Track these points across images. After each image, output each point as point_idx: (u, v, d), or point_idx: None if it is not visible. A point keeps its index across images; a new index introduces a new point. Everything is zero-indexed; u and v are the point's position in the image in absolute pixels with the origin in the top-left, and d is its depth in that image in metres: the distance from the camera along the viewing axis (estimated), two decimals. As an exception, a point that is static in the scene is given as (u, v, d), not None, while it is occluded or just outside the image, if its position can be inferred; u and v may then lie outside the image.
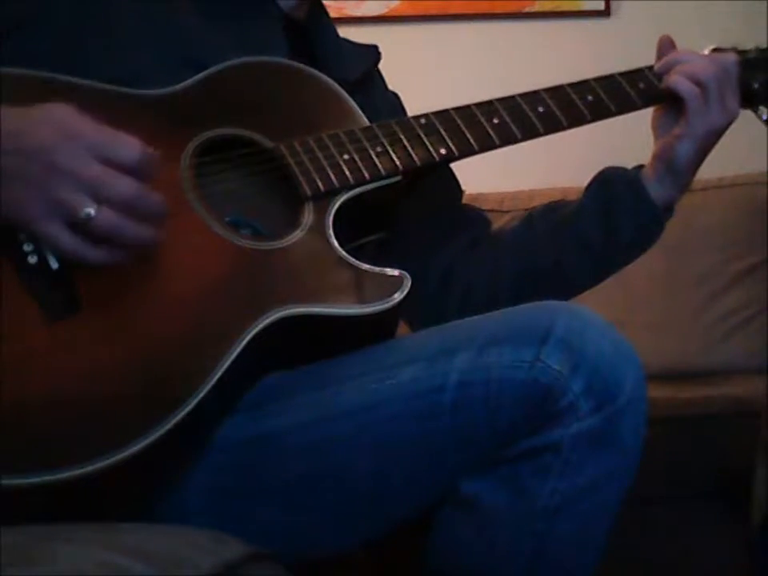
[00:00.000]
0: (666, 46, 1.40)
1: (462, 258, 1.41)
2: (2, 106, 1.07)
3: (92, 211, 1.04)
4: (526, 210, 1.46)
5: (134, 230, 1.06)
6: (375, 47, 1.47)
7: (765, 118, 1.41)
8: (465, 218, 1.47)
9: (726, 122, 1.34)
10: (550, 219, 1.40)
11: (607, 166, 1.38)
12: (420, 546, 1.17)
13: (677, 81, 1.34)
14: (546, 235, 1.39)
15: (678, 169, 1.34)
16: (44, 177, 1.04)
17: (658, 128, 1.37)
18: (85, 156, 1.05)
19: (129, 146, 1.07)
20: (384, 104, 1.44)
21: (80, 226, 1.05)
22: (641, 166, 1.37)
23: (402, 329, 1.31)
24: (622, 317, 2.31)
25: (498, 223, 1.51)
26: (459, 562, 1.15)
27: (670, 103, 1.36)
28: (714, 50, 1.41)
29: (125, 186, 1.05)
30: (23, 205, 1.05)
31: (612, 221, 1.35)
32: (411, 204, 1.33)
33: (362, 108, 1.31)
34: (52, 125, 1.06)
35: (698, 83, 1.33)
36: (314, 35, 1.42)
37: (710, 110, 1.32)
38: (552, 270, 1.37)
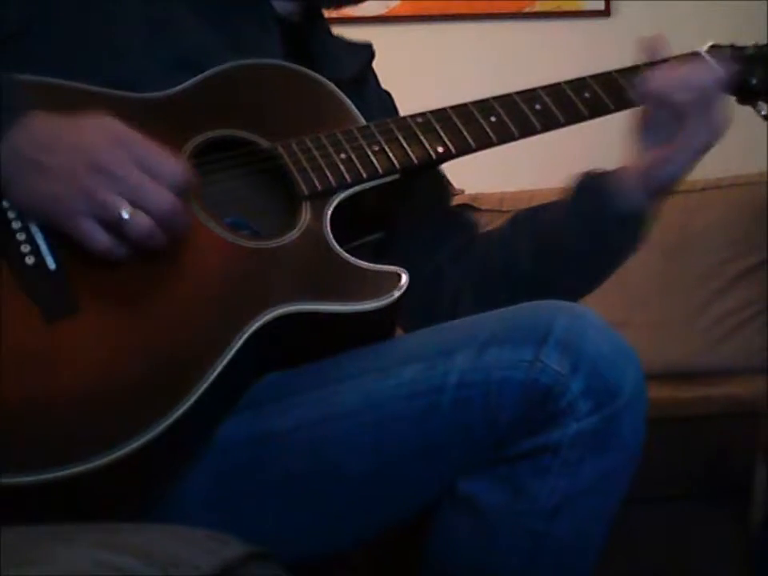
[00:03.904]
0: (656, 49, 1.38)
1: (451, 261, 1.41)
2: (39, 112, 1.11)
3: (128, 214, 1.07)
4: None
5: (161, 241, 1.10)
6: (369, 45, 1.47)
7: (764, 113, 1.41)
8: (455, 221, 1.47)
9: (716, 139, 1.31)
10: (530, 230, 1.38)
11: (598, 166, 1.37)
12: (419, 546, 1.17)
13: (676, 97, 1.29)
14: (528, 246, 1.36)
15: (663, 187, 1.32)
16: (86, 174, 1.08)
17: (641, 139, 1.33)
18: (130, 163, 1.09)
19: (174, 165, 1.11)
20: (377, 102, 1.45)
21: (112, 226, 1.08)
22: (615, 171, 1.35)
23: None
24: (622, 317, 2.32)
25: (497, 223, 1.51)
26: (458, 561, 1.15)
27: (653, 112, 1.32)
28: (712, 47, 1.40)
29: (167, 199, 1.09)
30: (60, 199, 1.08)
31: (590, 229, 1.33)
32: (406, 205, 1.33)
33: (355, 106, 1.31)
34: (101, 129, 1.11)
35: (674, 107, 1.29)
36: (308, 34, 1.42)
37: (701, 130, 1.29)
38: (539, 282, 1.35)
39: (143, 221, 1.08)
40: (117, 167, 1.08)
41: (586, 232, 1.34)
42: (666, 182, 1.32)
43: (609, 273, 1.38)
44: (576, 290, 1.36)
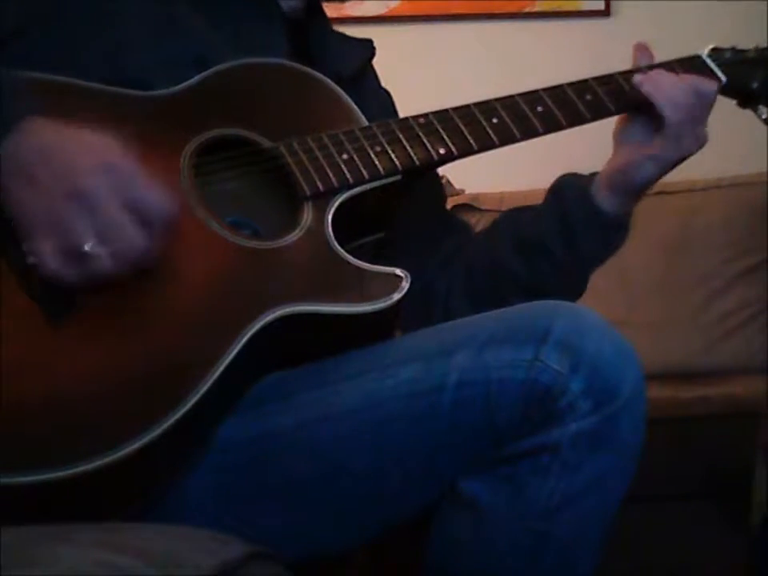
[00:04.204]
0: (642, 53, 1.38)
1: (444, 263, 1.41)
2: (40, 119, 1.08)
3: (91, 249, 1.03)
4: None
5: (124, 275, 1.06)
6: (370, 41, 1.47)
7: (764, 117, 1.41)
8: (450, 222, 1.48)
9: (696, 150, 1.32)
10: (511, 230, 1.39)
11: (597, 167, 1.38)
12: (420, 546, 1.17)
13: (664, 104, 1.31)
14: (510, 246, 1.37)
15: (636, 188, 1.33)
16: (62, 198, 1.04)
17: (621, 138, 1.35)
18: (112, 194, 1.04)
19: (160, 201, 1.06)
20: (376, 100, 1.45)
21: (72, 253, 1.04)
22: (595, 174, 1.35)
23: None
24: (623, 316, 2.31)
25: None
26: (458, 561, 1.15)
27: (638, 114, 1.33)
28: (713, 50, 1.41)
29: (138, 242, 1.05)
30: (30, 213, 1.05)
31: (570, 234, 1.34)
32: (405, 206, 1.33)
33: (355, 104, 1.31)
34: (96, 152, 1.06)
35: (680, 109, 1.30)
36: (310, 32, 1.42)
37: (683, 138, 1.30)
38: (526, 282, 1.36)
39: (104, 262, 1.04)
40: (96, 196, 1.04)
41: (560, 230, 1.34)
42: (641, 182, 1.33)
43: (589, 271, 1.38)
44: (561, 291, 1.36)
